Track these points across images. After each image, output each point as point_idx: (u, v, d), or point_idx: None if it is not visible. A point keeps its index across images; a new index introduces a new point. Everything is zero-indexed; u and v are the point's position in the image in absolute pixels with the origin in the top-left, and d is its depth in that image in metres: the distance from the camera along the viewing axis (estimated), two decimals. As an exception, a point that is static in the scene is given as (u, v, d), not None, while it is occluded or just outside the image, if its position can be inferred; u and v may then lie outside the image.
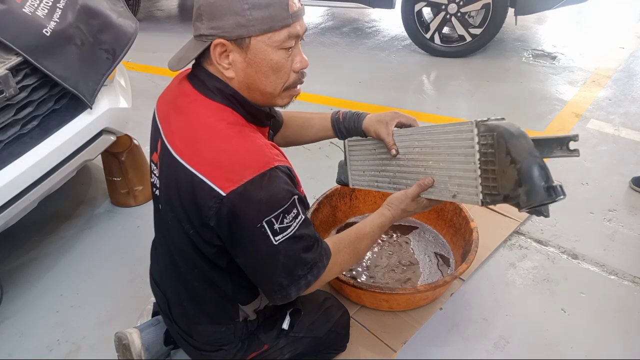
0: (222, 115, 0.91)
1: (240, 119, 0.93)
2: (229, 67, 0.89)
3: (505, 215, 1.94)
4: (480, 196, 1.03)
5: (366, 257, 1.72)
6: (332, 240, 1.03)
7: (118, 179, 2.02)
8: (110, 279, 1.73)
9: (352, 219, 1.90)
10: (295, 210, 0.89)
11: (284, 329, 1.16)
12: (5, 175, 1.37)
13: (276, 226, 0.86)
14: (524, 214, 1.95)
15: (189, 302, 1.08)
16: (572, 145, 0.97)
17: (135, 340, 1.30)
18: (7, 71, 1.32)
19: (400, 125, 1.21)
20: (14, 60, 1.36)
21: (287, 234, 0.88)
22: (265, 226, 0.85)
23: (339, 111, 1.31)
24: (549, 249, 1.80)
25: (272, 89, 0.93)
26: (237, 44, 0.86)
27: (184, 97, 0.96)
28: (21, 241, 1.89)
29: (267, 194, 0.84)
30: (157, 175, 1.02)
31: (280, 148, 0.97)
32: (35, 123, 1.48)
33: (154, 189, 1.05)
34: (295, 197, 0.89)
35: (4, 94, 1.32)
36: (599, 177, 2.19)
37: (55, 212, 2.05)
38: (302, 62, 0.94)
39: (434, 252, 1.74)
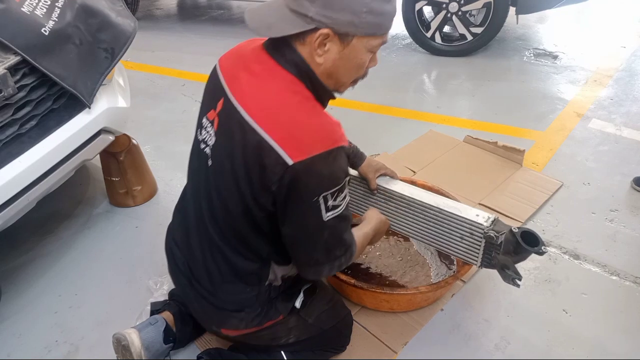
0: (297, 88, 0.95)
1: (311, 95, 0.97)
2: (323, 54, 0.93)
3: (506, 216, 1.93)
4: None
5: (376, 260, 1.72)
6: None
7: (116, 179, 2.01)
8: (108, 279, 1.72)
9: (353, 221, 1.89)
10: (346, 191, 0.97)
11: (295, 307, 1.19)
12: (4, 175, 1.36)
13: (330, 202, 0.93)
14: (526, 214, 1.94)
15: (219, 259, 1.09)
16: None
17: (135, 340, 1.29)
18: (5, 70, 1.31)
19: (384, 175, 1.52)
20: (13, 59, 1.35)
21: (337, 212, 0.95)
22: (321, 200, 0.91)
23: (351, 142, 1.46)
24: (550, 249, 1.79)
25: (347, 80, 1.01)
26: (341, 38, 0.91)
27: (260, 63, 0.98)
28: (20, 241, 1.88)
29: (330, 171, 0.91)
30: (211, 132, 1.03)
31: None
32: (33, 123, 1.47)
33: (203, 146, 1.06)
34: (348, 177, 0.97)
35: (3, 94, 1.31)
36: (601, 177, 2.18)
37: (54, 212, 2.04)
38: (374, 61, 1.01)
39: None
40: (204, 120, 1.08)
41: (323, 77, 0.97)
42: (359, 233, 1.18)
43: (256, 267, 1.10)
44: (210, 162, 1.04)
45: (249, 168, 0.93)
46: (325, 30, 0.89)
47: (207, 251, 1.11)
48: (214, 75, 1.08)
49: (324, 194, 0.91)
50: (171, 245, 1.25)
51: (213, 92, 1.06)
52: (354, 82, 1.03)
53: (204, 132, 1.07)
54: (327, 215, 0.93)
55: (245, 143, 0.92)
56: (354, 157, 1.50)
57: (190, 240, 1.16)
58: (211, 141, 1.03)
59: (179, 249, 1.21)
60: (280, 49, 0.96)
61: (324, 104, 1.03)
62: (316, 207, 0.91)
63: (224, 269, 1.10)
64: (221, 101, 1.01)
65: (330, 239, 0.98)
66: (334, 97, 1.05)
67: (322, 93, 1.00)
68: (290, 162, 0.87)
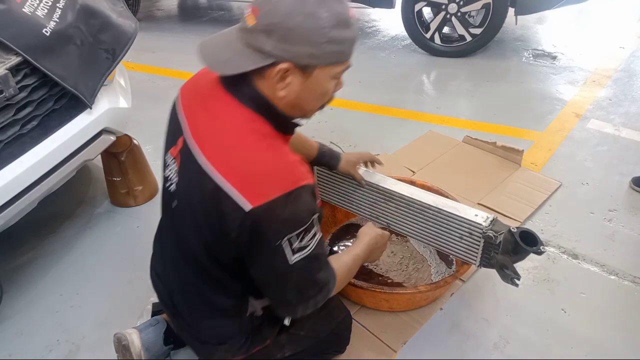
0: (254, 126, 0.90)
1: (271, 130, 0.92)
2: (284, 87, 0.89)
3: (505, 216, 1.94)
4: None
5: (380, 260, 1.73)
6: (334, 264, 1.05)
7: (118, 179, 2.01)
8: (110, 279, 1.72)
9: (352, 220, 1.90)
10: (314, 229, 0.91)
11: (285, 325, 1.17)
12: (5, 175, 1.37)
13: (295, 245, 0.88)
14: (525, 214, 1.95)
15: (196, 297, 1.08)
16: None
17: (135, 340, 1.30)
18: (6, 71, 1.32)
19: (365, 164, 1.57)
20: (14, 60, 1.36)
21: (304, 254, 0.90)
22: (286, 244, 0.87)
23: (324, 145, 1.50)
24: (549, 249, 1.80)
25: (313, 107, 0.97)
26: (302, 70, 0.87)
27: (216, 99, 0.94)
28: (21, 241, 1.89)
29: (292, 213, 0.86)
30: (174, 170, 1.00)
31: None
32: (35, 123, 1.48)
33: (168, 184, 1.03)
34: (316, 215, 0.91)
35: (4, 94, 1.32)
36: (599, 177, 2.19)
37: (55, 212, 2.04)
38: (340, 85, 0.97)
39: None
40: (168, 156, 1.04)
41: (287, 109, 0.93)
42: (344, 259, 1.13)
43: (233, 303, 1.07)
44: (175, 203, 1.00)
45: (208, 214, 0.90)
46: (284, 65, 0.85)
47: (184, 287, 1.10)
48: (174, 108, 1.04)
49: (288, 237, 0.86)
50: (154, 278, 1.24)
51: (174, 126, 1.02)
52: (321, 107, 0.99)
53: (167, 170, 1.03)
54: (293, 258, 0.88)
55: (203, 189, 0.88)
56: (330, 159, 1.50)
57: (169, 275, 1.15)
58: (175, 179, 1.00)
59: (161, 282, 1.20)
60: (236, 84, 0.91)
61: (289, 132, 1.00)
62: (280, 251, 0.87)
63: (202, 306, 1.08)
64: (181, 139, 0.97)
65: (300, 281, 0.93)
66: (300, 125, 1.01)
67: (286, 124, 0.97)
68: (248, 207, 0.83)
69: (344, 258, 1.14)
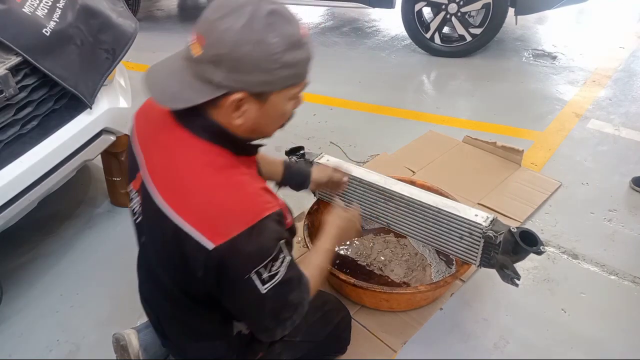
0: (210, 158, 0.87)
1: (229, 159, 0.89)
2: (241, 115, 0.85)
3: (505, 216, 1.94)
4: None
5: (376, 259, 1.73)
6: (307, 272, 1.02)
7: (118, 179, 2.01)
8: (110, 279, 1.72)
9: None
10: (282, 255, 0.88)
11: None
12: (5, 175, 1.37)
13: (265, 275, 0.85)
14: (525, 214, 1.95)
15: (180, 323, 1.08)
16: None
17: (133, 341, 1.29)
18: (6, 71, 1.32)
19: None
20: (14, 60, 1.36)
21: (275, 281, 0.88)
22: (254, 276, 0.84)
23: (289, 161, 1.47)
24: (549, 248, 1.80)
25: (273, 128, 0.94)
26: (257, 97, 0.84)
27: (168, 133, 0.90)
28: (21, 241, 1.89)
29: (256, 246, 0.83)
30: (137, 204, 0.98)
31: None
32: (35, 123, 1.48)
33: (135, 217, 1.00)
34: (282, 241, 0.88)
35: (4, 94, 1.32)
36: (599, 177, 2.19)
37: (55, 212, 2.04)
38: (300, 102, 0.93)
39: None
40: (131, 189, 1.00)
41: (246, 134, 0.90)
42: (316, 262, 1.10)
43: (217, 327, 1.06)
44: (143, 239, 1.00)
45: (171, 255, 0.88)
46: (237, 95, 0.81)
47: (166, 315, 1.10)
48: (131, 138, 1.00)
49: (255, 270, 0.83)
50: (142, 302, 1.23)
51: (132, 158, 0.99)
52: (282, 125, 0.96)
53: (132, 203, 1.01)
54: (264, 288, 0.86)
55: (163, 230, 0.86)
56: (299, 169, 1.43)
57: (153, 301, 1.15)
58: (139, 213, 0.97)
59: (149, 306, 1.20)
60: (188, 115, 0.86)
61: (252, 154, 0.98)
62: (250, 284, 0.84)
63: (187, 331, 1.08)
64: (139, 174, 0.95)
65: (274, 307, 0.91)
66: (262, 145, 0.99)
67: (246, 148, 0.94)
68: (210, 247, 0.80)
69: (315, 261, 1.11)
